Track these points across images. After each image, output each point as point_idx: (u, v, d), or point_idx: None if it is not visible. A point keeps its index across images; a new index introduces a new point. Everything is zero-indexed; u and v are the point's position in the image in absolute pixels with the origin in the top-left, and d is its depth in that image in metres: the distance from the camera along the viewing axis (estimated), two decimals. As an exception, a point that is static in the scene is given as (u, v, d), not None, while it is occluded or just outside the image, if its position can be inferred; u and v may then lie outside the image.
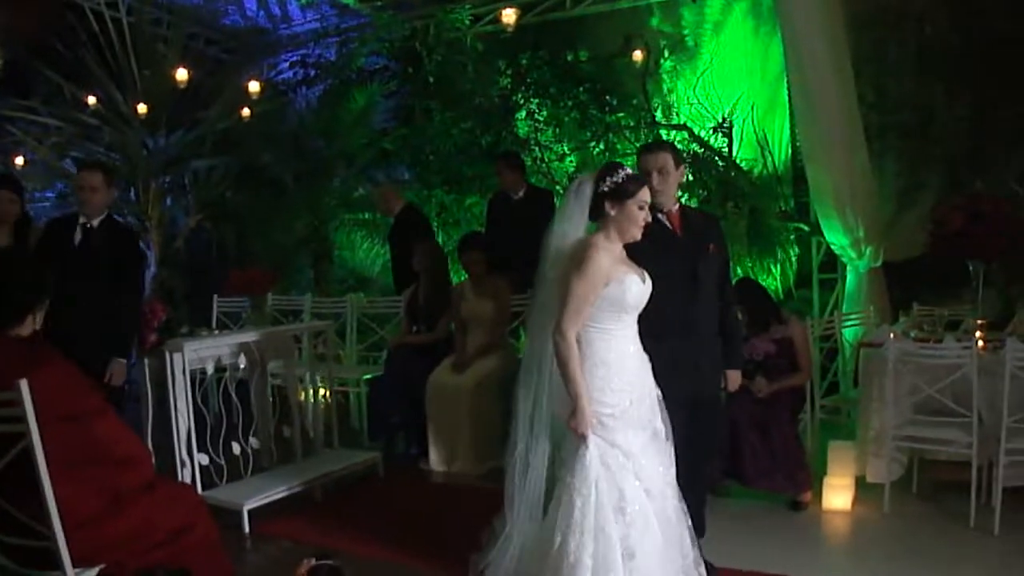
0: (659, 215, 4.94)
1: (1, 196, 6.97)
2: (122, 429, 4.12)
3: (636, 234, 4.42)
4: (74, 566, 3.77)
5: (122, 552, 3.87)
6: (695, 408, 4.95)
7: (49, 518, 3.69)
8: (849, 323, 8.30)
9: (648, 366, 4.50)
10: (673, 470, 4.49)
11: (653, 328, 4.57)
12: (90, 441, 3.96)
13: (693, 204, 5.95)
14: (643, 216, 4.40)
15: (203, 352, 6.55)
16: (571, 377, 4.22)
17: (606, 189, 4.35)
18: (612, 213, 4.36)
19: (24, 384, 3.60)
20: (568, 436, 4.35)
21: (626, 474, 4.28)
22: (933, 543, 5.69)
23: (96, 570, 3.86)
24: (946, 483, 6.42)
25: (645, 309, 4.47)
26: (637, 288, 4.36)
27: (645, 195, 4.42)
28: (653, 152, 5.10)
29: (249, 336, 6.89)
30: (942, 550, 5.57)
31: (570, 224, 4.42)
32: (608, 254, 4.32)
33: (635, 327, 4.46)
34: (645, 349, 4.52)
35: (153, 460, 4.33)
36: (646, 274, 4.44)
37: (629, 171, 4.47)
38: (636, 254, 4.54)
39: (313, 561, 4.04)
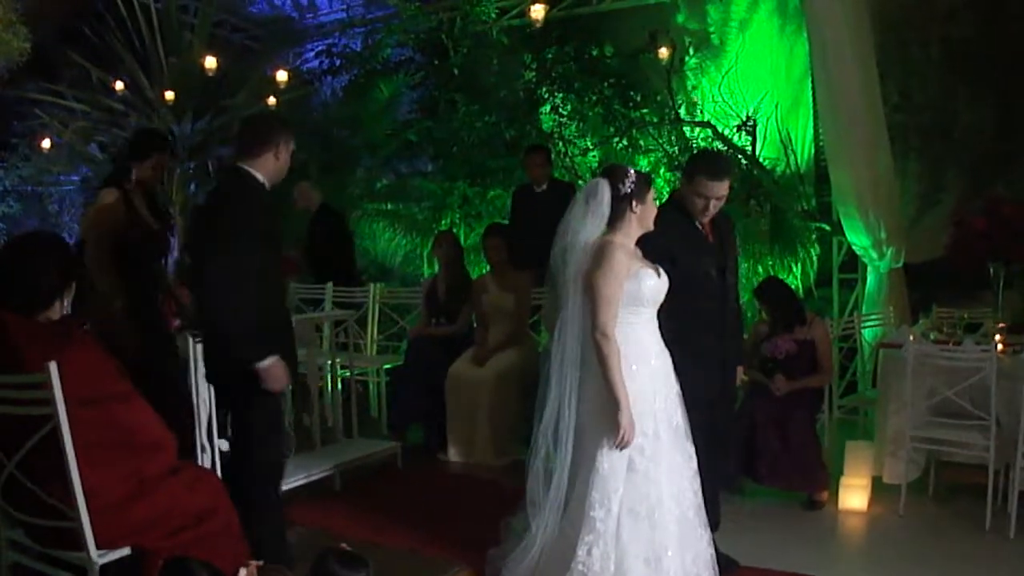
0: (695, 223, 5.01)
1: (160, 161, 6.26)
2: (148, 414, 4.15)
3: (650, 224, 4.54)
4: (98, 548, 3.83)
5: (145, 535, 3.91)
6: (717, 404, 5.00)
7: (74, 500, 3.74)
8: (869, 324, 8.29)
9: (669, 362, 4.54)
10: (694, 464, 4.53)
11: (687, 327, 4.62)
12: (115, 425, 4.00)
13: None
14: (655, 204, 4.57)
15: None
16: (612, 380, 4.27)
17: (630, 190, 4.41)
18: (637, 211, 4.42)
19: (54, 367, 3.64)
20: (589, 445, 4.40)
21: (648, 478, 4.32)
22: (948, 545, 5.71)
23: (119, 553, 3.90)
24: (962, 486, 6.43)
25: (679, 307, 4.52)
26: (652, 282, 4.42)
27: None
28: (721, 180, 4.94)
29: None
30: (957, 552, 5.59)
31: (590, 224, 4.45)
32: (625, 251, 4.39)
33: (654, 322, 4.51)
34: (678, 346, 4.56)
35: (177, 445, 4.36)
36: (661, 270, 4.49)
37: (632, 169, 4.56)
38: (671, 253, 4.60)
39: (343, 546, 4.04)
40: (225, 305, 4.44)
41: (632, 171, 4.51)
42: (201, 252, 4.63)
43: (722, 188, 4.92)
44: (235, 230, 4.48)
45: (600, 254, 4.34)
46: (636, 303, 4.40)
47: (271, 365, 4.53)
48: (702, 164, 5.12)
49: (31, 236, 4.52)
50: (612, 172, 4.52)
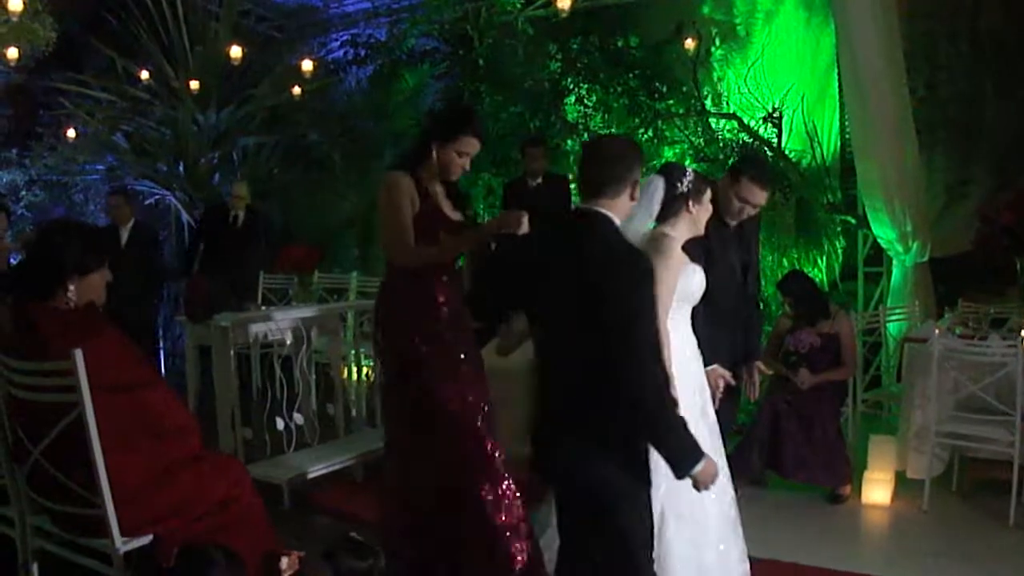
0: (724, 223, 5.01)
1: (469, 144, 4.76)
2: (171, 401, 4.16)
3: (703, 228, 4.46)
4: (122, 535, 3.84)
5: (169, 522, 3.92)
6: (724, 399, 5.00)
7: (99, 487, 3.75)
8: (894, 318, 8.27)
9: (700, 358, 4.52)
10: (723, 461, 4.49)
11: (706, 320, 4.60)
12: (139, 412, 4.00)
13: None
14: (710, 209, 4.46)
15: (255, 328, 6.61)
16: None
17: (687, 190, 4.35)
18: (693, 211, 4.37)
19: (79, 354, 3.65)
20: None
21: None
22: (971, 541, 5.70)
23: (143, 539, 3.90)
24: (987, 481, 6.40)
25: (705, 300, 4.50)
26: (699, 278, 4.42)
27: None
28: (767, 189, 5.06)
29: (301, 313, 6.94)
30: (980, 548, 5.57)
31: (637, 219, 4.40)
32: (678, 244, 4.36)
33: (689, 320, 4.48)
34: (702, 338, 4.54)
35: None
36: (700, 267, 4.48)
37: (690, 169, 4.49)
38: (707, 245, 4.59)
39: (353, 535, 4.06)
40: (663, 410, 3.43)
41: (691, 171, 4.46)
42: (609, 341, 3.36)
43: (766, 197, 4.96)
44: (643, 310, 3.40)
45: (656, 245, 4.25)
46: (682, 298, 4.38)
47: (707, 464, 3.49)
48: (754, 169, 5.14)
49: (45, 223, 4.50)
50: (669, 170, 4.45)
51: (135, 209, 9.84)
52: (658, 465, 4.17)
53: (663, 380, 3.47)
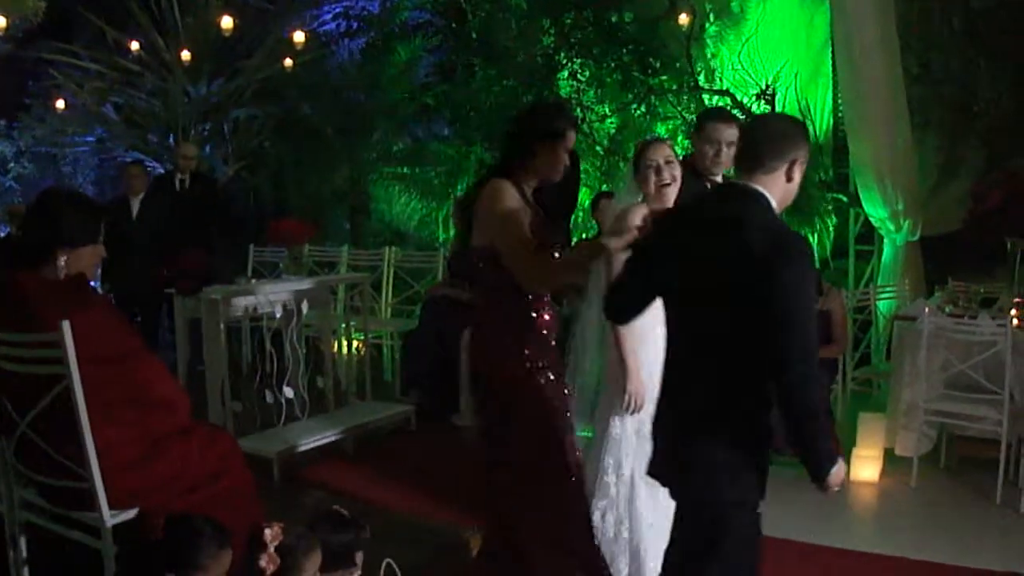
0: (706, 183, 4.91)
1: (568, 144, 4.35)
2: (161, 372, 4.13)
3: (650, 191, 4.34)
4: (110, 508, 3.82)
5: (157, 495, 3.90)
6: None
7: (87, 460, 3.73)
8: (884, 296, 8.28)
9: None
10: None
11: None
12: (129, 383, 3.97)
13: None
14: (654, 180, 4.32)
15: (245, 301, 6.60)
16: (622, 346, 4.26)
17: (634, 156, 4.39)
18: (639, 181, 4.37)
19: (67, 325, 3.62)
20: (601, 414, 4.39)
21: None
22: (958, 518, 5.73)
23: (131, 513, 3.89)
24: (974, 459, 6.42)
25: None
26: None
27: (654, 154, 4.34)
28: (730, 124, 4.82)
29: (292, 286, 6.92)
30: (967, 525, 5.60)
31: (625, 195, 4.40)
32: None
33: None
34: None
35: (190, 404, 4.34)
36: None
37: (647, 139, 4.51)
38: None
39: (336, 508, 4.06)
40: (820, 413, 3.30)
41: (642, 141, 4.47)
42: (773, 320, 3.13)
43: (732, 133, 4.82)
44: (813, 304, 3.27)
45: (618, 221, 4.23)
46: None
47: (840, 467, 3.40)
48: (710, 111, 5.46)
49: (43, 191, 4.46)
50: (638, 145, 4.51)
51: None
52: (627, 434, 4.21)
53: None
